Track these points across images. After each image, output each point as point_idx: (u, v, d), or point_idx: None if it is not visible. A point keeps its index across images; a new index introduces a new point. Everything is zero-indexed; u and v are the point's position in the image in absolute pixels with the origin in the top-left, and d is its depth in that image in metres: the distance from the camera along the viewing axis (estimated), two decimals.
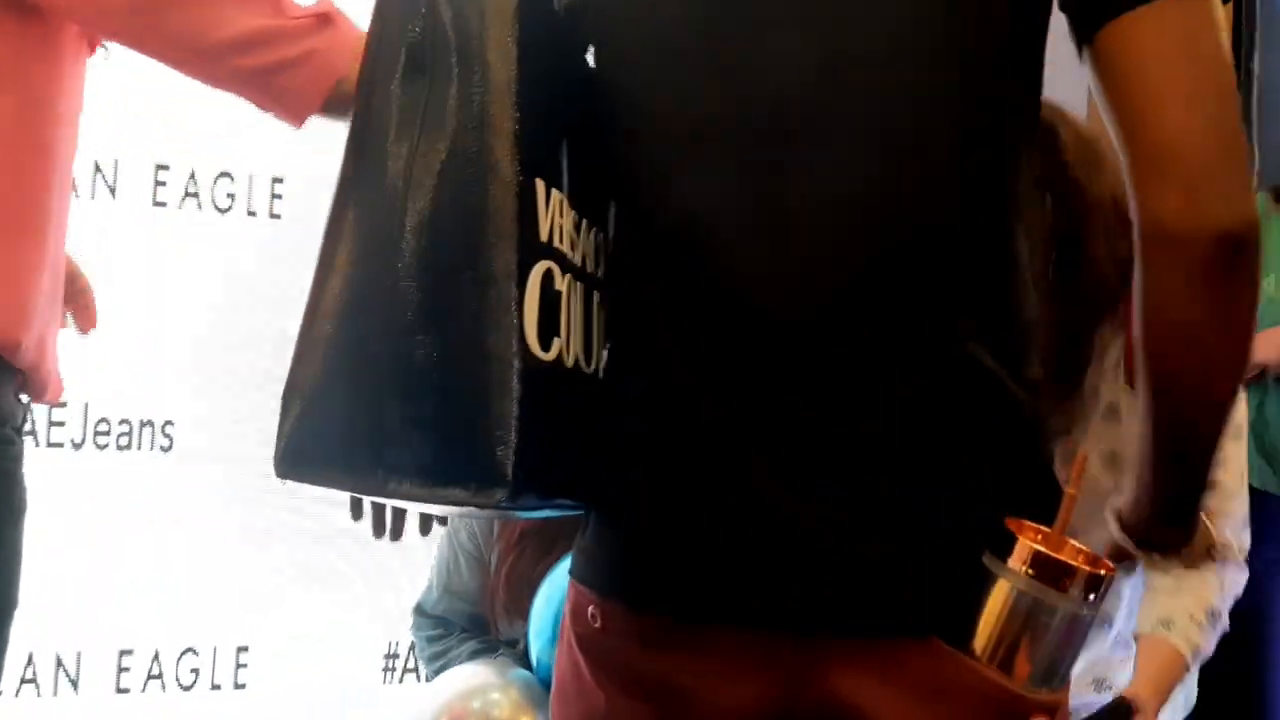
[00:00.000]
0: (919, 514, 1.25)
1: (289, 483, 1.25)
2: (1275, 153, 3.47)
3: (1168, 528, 1.32)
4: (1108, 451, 2.13)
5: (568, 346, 1.28)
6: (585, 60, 1.39)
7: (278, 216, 3.17)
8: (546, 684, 2.52)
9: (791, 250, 1.28)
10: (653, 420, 1.32)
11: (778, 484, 1.27)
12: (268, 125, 3.06)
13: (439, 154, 1.25)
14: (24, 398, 1.80)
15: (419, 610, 2.82)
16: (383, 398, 1.25)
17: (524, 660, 2.59)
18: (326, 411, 1.27)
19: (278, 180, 3.16)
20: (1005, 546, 1.20)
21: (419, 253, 1.25)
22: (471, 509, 1.27)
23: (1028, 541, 1.19)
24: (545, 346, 1.25)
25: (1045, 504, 1.24)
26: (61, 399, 1.88)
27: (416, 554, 3.32)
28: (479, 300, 1.23)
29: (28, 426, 1.84)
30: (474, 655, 2.68)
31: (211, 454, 3.09)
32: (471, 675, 2.55)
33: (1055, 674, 1.22)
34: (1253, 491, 3.22)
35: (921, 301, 1.28)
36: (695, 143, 1.32)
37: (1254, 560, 3.16)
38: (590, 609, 1.37)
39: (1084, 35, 1.22)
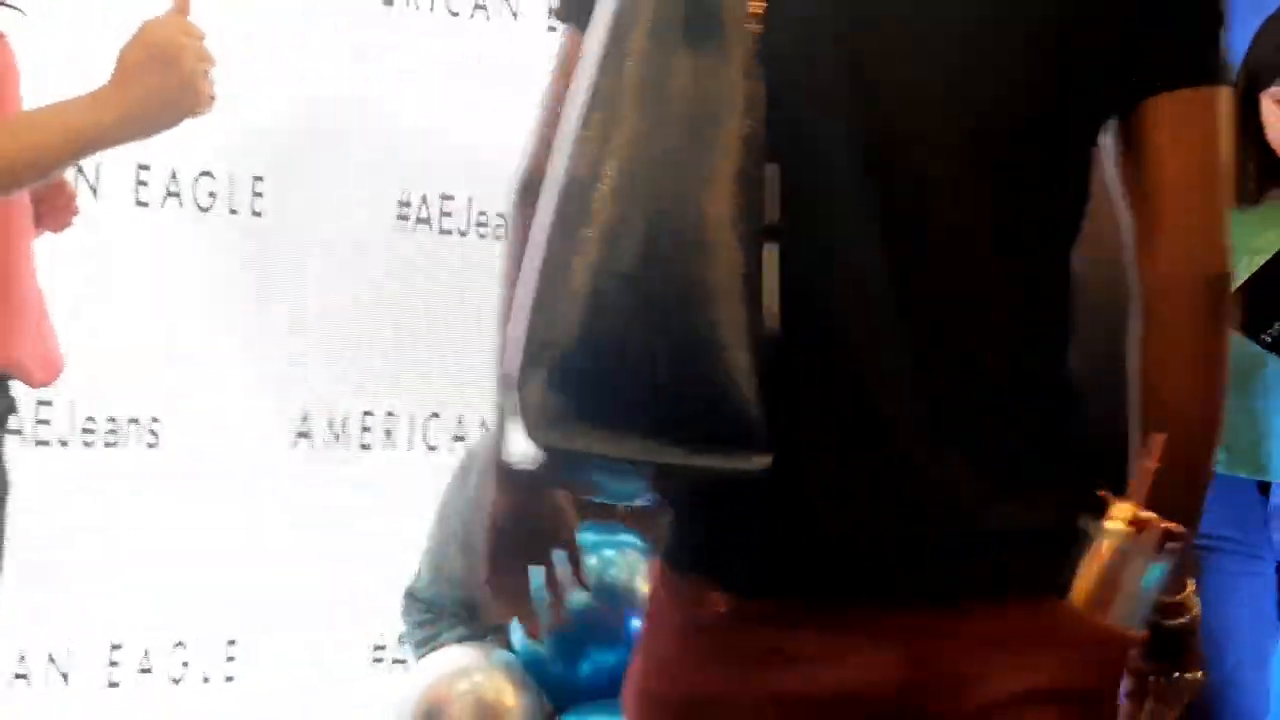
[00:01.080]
0: (1052, 486, 1.42)
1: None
2: None
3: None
4: None
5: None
6: None
7: (259, 214, 3.19)
8: (527, 665, 2.56)
9: (928, 271, 1.40)
10: (823, 410, 1.39)
11: (933, 464, 1.39)
12: (249, 123, 3.10)
13: (726, 129, 1.31)
14: (8, 385, 1.82)
15: (410, 595, 2.84)
16: (646, 362, 1.29)
17: (509, 646, 2.62)
18: (586, 375, 1.30)
19: (259, 179, 3.18)
20: (1096, 508, 1.39)
21: (688, 225, 1.29)
22: (718, 474, 1.31)
23: (1122, 503, 1.39)
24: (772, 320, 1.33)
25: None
26: (46, 394, 1.90)
27: (404, 544, 3.34)
28: (740, 273, 1.29)
29: (14, 423, 1.87)
30: (461, 641, 2.70)
31: (198, 450, 3.11)
32: (457, 657, 2.58)
33: (1141, 615, 1.40)
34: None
35: (1051, 295, 1.45)
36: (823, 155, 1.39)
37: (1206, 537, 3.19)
38: (712, 596, 1.42)
39: (1120, 106, 1.43)
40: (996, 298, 1.42)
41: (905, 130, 1.40)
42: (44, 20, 2.01)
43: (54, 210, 1.97)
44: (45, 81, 1.93)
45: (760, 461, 1.30)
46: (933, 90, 1.40)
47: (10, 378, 1.82)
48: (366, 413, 3.35)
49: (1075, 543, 1.39)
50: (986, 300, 1.42)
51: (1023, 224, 1.43)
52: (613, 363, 1.30)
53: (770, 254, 1.33)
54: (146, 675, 3.06)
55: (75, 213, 2.02)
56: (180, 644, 3.10)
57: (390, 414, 3.37)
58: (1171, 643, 1.52)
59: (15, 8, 1.84)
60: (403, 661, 3.36)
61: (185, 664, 3.11)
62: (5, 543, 1.85)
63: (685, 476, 1.34)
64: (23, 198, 1.84)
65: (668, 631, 1.48)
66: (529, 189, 1.51)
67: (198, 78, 1.76)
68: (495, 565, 1.64)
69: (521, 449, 1.39)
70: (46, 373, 1.87)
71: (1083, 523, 1.39)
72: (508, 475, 1.57)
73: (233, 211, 3.16)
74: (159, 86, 1.74)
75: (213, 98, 1.79)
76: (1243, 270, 3.16)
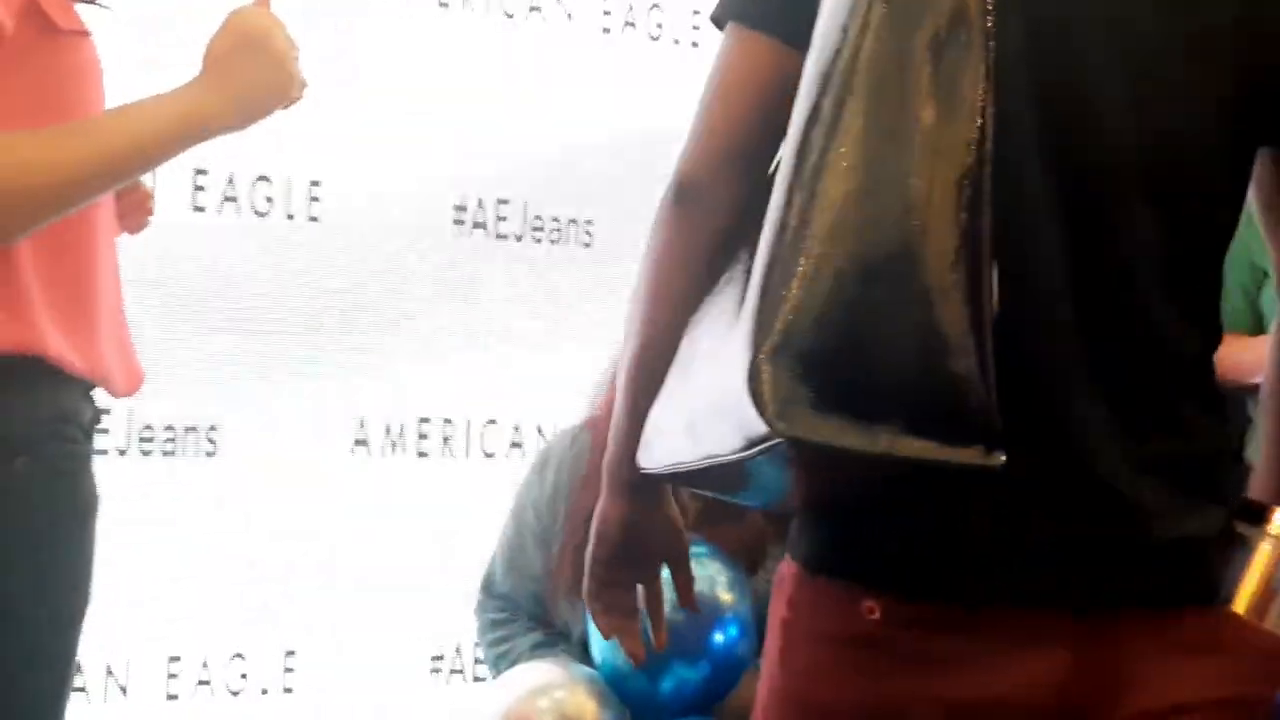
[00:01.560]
0: (1217, 495, 1.43)
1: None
2: None
3: None
4: None
5: None
6: None
7: (316, 219, 3.17)
8: (609, 680, 2.52)
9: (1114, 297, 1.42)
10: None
11: (1106, 472, 1.39)
12: (305, 128, 3.08)
13: (963, 131, 1.30)
14: (94, 396, 1.79)
15: (485, 588, 2.81)
16: (892, 357, 1.28)
17: (584, 654, 2.58)
18: (833, 369, 1.29)
19: (315, 183, 3.16)
20: (1255, 516, 1.40)
21: (920, 226, 1.28)
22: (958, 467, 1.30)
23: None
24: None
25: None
26: (103, 403, 1.86)
27: (463, 553, 3.32)
28: (965, 275, 1.29)
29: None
30: (535, 648, 2.66)
31: (256, 458, 3.09)
32: (539, 674, 2.55)
33: None
34: None
35: (1208, 310, 1.49)
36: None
37: None
38: (865, 603, 1.41)
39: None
40: (1168, 316, 1.44)
41: (1089, 158, 1.41)
42: (119, 22, 1.99)
43: (129, 210, 1.94)
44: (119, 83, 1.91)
45: (997, 458, 1.29)
46: (1116, 121, 1.41)
47: (95, 387, 1.79)
48: (423, 419, 3.32)
49: (1238, 550, 1.40)
50: (1159, 318, 1.44)
51: (1190, 248, 1.46)
52: (861, 357, 1.29)
53: (990, 261, 1.31)
54: (205, 687, 3.04)
55: (150, 212, 1.99)
56: (239, 655, 3.08)
57: (448, 420, 3.35)
58: None
59: (102, 4, 1.82)
60: (460, 672, 3.34)
61: (244, 675, 3.08)
62: (91, 561, 1.82)
63: (905, 470, 1.31)
64: (108, 206, 1.81)
65: (815, 638, 1.46)
66: (686, 190, 1.49)
67: (290, 60, 1.75)
68: (603, 579, 1.60)
69: (653, 457, 1.39)
70: (129, 382, 1.84)
71: (1242, 530, 1.40)
72: (630, 484, 1.54)
73: (289, 216, 3.13)
74: (256, 69, 1.73)
75: (305, 83, 1.77)
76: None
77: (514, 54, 3.41)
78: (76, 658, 1.82)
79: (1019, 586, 1.39)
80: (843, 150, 1.29)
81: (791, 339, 1.28)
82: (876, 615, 1.41)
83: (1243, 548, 1.39)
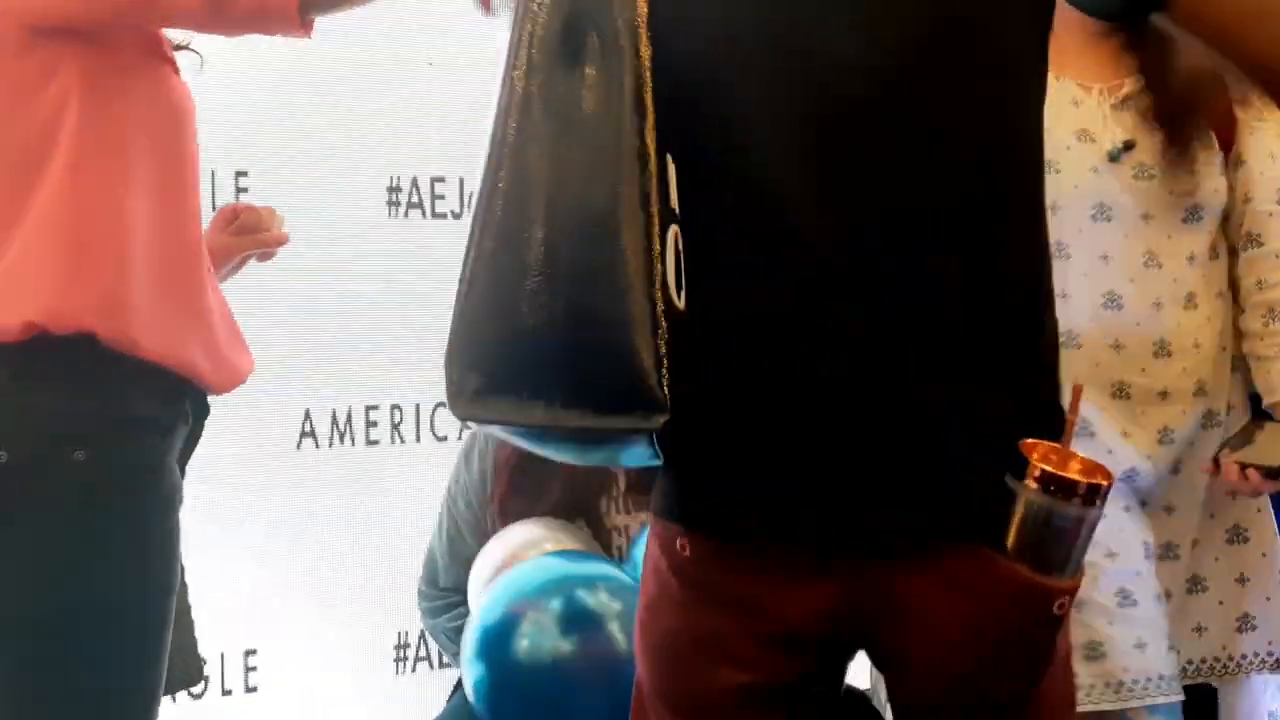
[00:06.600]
0: (990, 442, 1.50)
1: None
2: None
3: None
4: None
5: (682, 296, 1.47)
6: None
7: None
8: None
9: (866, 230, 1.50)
10: (746, 372, 1.51)
11: (870, 419, 1.49)
12: (228, 120, 3.02)
13: (592, 137, 1.43)
14: (182, 390, 1.77)
15: (429, 583, 2.80)
16: (554, 340, 1.43)
17: None
18: (493, 349, 1.45)
19: (241, 174, 3.11)
20: (1022, 467, 1.49)
21: (591, 216, 1.42)
22: (628, 439, 1.45)
23: (1037, 462, 1.48)
24: (679, 297, 1.44)
25: (1053, 428, 1.53)
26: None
27: (420, 539, 3.29)
28: (640, 257, 1.42)
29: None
30: None
31: (201, 457, 3.04)
32: (528, 529, 2.58)
33: (1071, 564, 1.50)
34: None
35: (1001, 262, 1.53)
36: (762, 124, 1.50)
37: None
38: (678, 540, 1.56)
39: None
40: (940, 262, 1.50)
41: (833, 93, 1.48)
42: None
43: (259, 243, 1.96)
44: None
45: (658, 420, 1.42)
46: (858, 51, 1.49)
47: (183, 380, 1.77)
48: (370, 407, 3.29)
49: (1010, 500, 1.49)
50: (932, 262, 1.50)
51: (957, 180, 1.51)
52: (522, 341, 1.43)
53: (671, 235, 1.44)
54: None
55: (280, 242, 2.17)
56: None
57: (395, 406, 3.31)
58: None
59: (195, 51, 1.83)
60: (425, 659, 3.31)
61: (205, 678, 3.05)
62: (176, 547, 1.83)
63: (596, 438, 1.46)
64: (195, 214, 1.84)
65: (655, 572, 1.60)
66: None
67: None
68: None
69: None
70: (222, 379, 1.82)
71: (1009, 482, 1.49)
72: None
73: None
74: None
75: None
76: None
77: (442, 27, 3.37)
78: (166, 657, 1.79)
79: (789, 527, 1.51)
80: (519, 165, 1.44)
81: (465, 331, 1.46)
82: (687, 552, 1.55)
83: (1012, 497, 1.49)
